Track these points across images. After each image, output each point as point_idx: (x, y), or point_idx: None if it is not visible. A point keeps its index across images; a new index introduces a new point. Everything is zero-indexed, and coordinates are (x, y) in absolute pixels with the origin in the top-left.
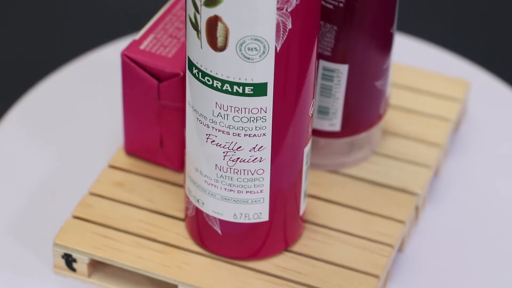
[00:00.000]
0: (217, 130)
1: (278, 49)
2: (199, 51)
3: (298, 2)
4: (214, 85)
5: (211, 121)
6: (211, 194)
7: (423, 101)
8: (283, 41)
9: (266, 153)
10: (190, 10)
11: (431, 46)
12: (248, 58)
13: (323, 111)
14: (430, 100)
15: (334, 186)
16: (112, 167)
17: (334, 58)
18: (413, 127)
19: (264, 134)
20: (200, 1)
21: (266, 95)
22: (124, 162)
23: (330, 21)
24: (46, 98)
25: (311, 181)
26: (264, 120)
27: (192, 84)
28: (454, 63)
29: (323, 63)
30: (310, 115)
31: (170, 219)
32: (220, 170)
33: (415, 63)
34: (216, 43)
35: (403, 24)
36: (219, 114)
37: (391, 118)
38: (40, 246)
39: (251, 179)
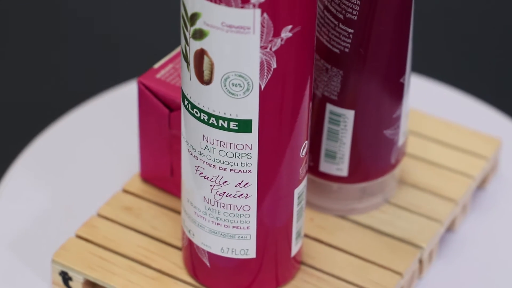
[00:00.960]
0: (205, 163)
1: (262, 87)
2: (188, 83)
3: (283, 43)
4: (202, 118)
5: (199, 153)
6: (200, 226)
7: (447, 154)
8: (267, 79)
9: (252, 190)
10: (182, 42)
11: (463, 94)
12: (233, 94)
13: (330, 155)
14: (455, 154)
15: (338, 231)
16: (125, 191)
17: (341, 102)
18: (432, 180)
19: (249, 171)
20: (189, 34)
21: (251, 132)
22: (137, 187)
23: (337, 65)
24: (64, 134)
25: (317, 224)
26: (249, 157)
27: (184, 115)
28: (488, 114)
29: (330, 107)
30: (302, 156)
31: (169, 247)
32: (208, 203)
33: (446, 112)
34: (202, 76)
35: (435, 69)
36: (206, 147)
37: (410, 168)
38: (43, 262)
39: (237, 215)
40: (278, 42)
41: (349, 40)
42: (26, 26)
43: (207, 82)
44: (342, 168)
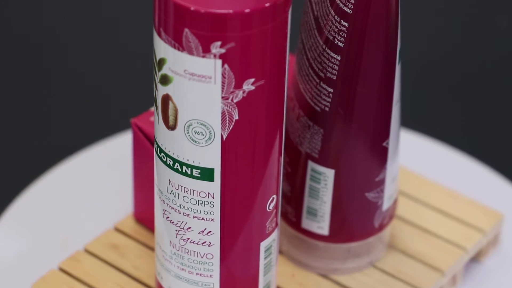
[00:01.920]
0: (170, 207)
1: (224, 137)
2: (157, 127)
3: (245, 95)
4: (168, 163)
5: (166, 197)
6: (167, 269)
7: (443, 222)
8: (229, 130)
9: (215, 239)
10: (153, 86)
11: (464, 155)
12: (195, 141)
13: (312, 213)
14: (451, 223)
15: None
16: (117, 229)
17: (321, 161)
18: (423, 247)
19: (212, 219)
20: (157, 78)
21: (213, 181)
22: (129, 227)
23: (318, 123)
24: (61, 179)
25: (298, 280)
26: (212, 206)
27: (155, 159)
28: (491, 180)
29: (311, 164)
30: (269, 210)
31: None
32: (174, 247)
33: (445, 173)
34: (168, 121)
35: (436, 127)
36: (172, 192)
37: (400, 233)
38: None
39: (200, 262)
40: (240, 94)
41: (329, 99)
42: (16, 76)
43: (172, 128)
44: (323, 226)
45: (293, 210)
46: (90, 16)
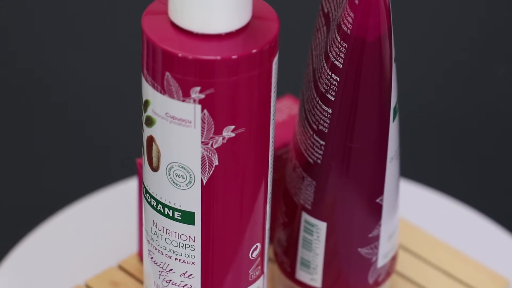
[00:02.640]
0: (154, 248)
1: (204, 182)
2: (144, 167)
3: (225, 142)
4: (151, 203)
5: (150, 237)
6: None
7: (445, 283)
8: (209, 175)
9: (196, 282)
10: (142, 127)
11: (472, 210)
12: (176, 184)
13: (305, 264)
14: (454, 285)
15: None
16: (120, 267)
17: (314, 213)
18: None
19: (193, 263)
20: (143, 120)
21: (194, 224)
22: (132, 265)
23: (311, 175)
24: (67, 222)
25: None
26: (192, 249)
27: (142, 200)
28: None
29: (304, 215)
30: (252, 257)
31: None
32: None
33: (451, 229)
34: (152, 162)
35: (443, 180)
36: (155, 233)
37: None
38: None
39: None
40: (219, 140)
41: (321, 152)
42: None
43: (155, 169)
44: (315, 278)
45: (288, 260)
46: (89, 67)
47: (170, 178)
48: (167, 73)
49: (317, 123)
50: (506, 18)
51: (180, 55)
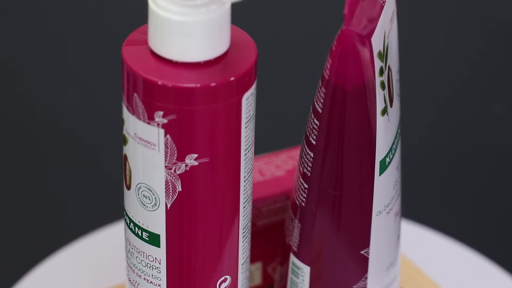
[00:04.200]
0: (128, 265)
1: (168, 206)
2: (123, 186)
3: (188, 169)
4: (126, 221)
5: (126, 255)
6: None
7: None
8: (173, 200)
9: None
10: None
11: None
12: (144, 205)
13: None
14: None
15: None
16: None
17: (299, 255)
18: None
19: (159, 285)
20: (122, 138)
21: (159, 246)
22: None
23: (297, 217)
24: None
25: None
26: (159, 271)
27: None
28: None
29: (292, 257)
30: None
31: None
32: None
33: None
34: (126, 180)
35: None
36: (129, 250)
37: None
38: None
39: None
40: (182, 167)
41: (305, 195)
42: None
43: (128, 187)
44: None
45: None
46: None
47: (139, 198)
48: (135, 95)
49: (303, 165)
50: (503, 54)
51: (144, 78)
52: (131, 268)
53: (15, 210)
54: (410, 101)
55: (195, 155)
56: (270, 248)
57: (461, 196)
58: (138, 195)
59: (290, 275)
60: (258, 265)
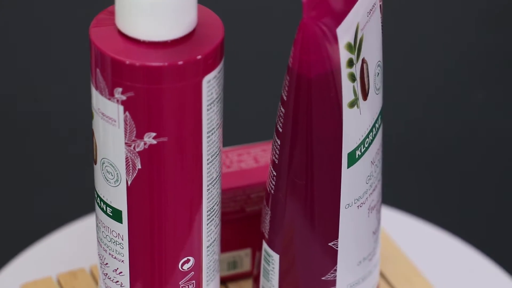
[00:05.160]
0: (98, 239)
1: (129, 183)
2: None
3: (146, 147)
4: (95, 195)
5: (96, 229)
6: None
7: None
8: (133, 177)
9: (125, 281)
10: None
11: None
12: (107, 180)
13: None
14: None
15: None
16: None
17: (269, 243)
18: None
19: (122, 261)
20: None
21: (122, 223)
22: None
23: (268, 204)
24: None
25: None
26: (121, 247)
27: None
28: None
29: (264, 245)
30: (182, 270)
31: None
32: (100, 279)
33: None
34: (93, 155)
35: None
36: (98, 225)
37: None
38: None
39: None
40: (141, 145)
41: (274, 183)
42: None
43: (95, 162)
44: None
45: (256, 286)
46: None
47: (103, 173)
48: (97, 70)
49: (273, 153)
50: (484, 42)
51: (103, 52)
52: (99, 243)
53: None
54: (395, 92)
55: (154, 134)
56: (259, 234)
57: (453, 187)
58: (102, 170)
59: (262, 262)
60: (248, 251)
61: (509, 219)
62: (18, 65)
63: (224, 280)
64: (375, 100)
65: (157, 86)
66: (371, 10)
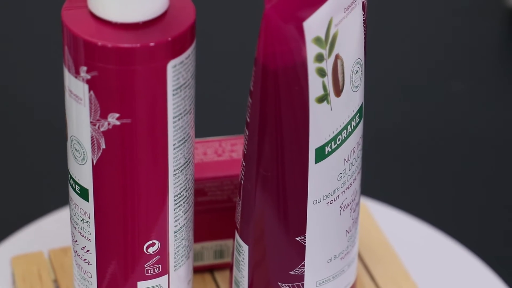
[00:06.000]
0: (70, 217)
1: (94, 162)
2: None
3: (110, 127)
4: (68, 174)
5: (69, 208)
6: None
7: None
8: (98, 157)
9: (92, 259)
10: None
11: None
12: (75, 158)
13: (236, 283)
14: None
15: None
16: None
17: (240, 233)
18: None
19: (89, 239)
20: None
21: (88, 201)
22: None
23: (239, 194)
24: None
25: None
26: (88, 225)
27: None
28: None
29: (236, 235)
30: (147, 253)
31: None
32: (73, 256)
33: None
34: (66, 132)
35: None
36: (70, 203)
37: None
38: None
39: (83, 278)
40: (105, 125)
41: (243, 173)
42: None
43: (66, 139)
44: None
45: (231, 276)
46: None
47: (72, 150)
48: (66, 47)
49: (244, 143)
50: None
51: (70, 30)
52: (71, 220)
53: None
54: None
55: (117, 115)
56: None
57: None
58: (71, 147)
59: (235, 252)
60: None
61: (498, 216)
62: None
63: (211, 268)
64: (352, 97)
65: (119, 67)
66: (349, 6)
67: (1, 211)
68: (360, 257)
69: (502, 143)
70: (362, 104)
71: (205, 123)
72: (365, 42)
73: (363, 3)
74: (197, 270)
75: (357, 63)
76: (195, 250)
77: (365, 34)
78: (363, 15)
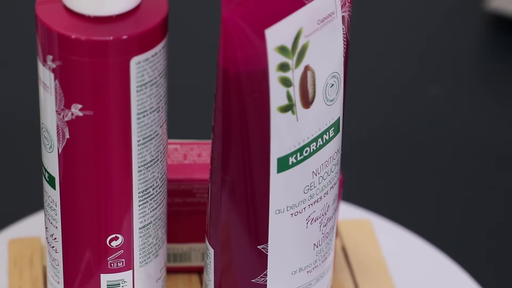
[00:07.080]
0: (44, 204)
1: (60, 150)
2: None
3: (74, 118)
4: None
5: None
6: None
7: None
8: (63, 146)
9: (59, 247)
10: None
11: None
12: (45, 145)
13: (205, 286)
14: None
15: None
16: None
17: (208, 236)
18: None
19: (56, 227)
20: None
21: (55, 189)
22: None
23: (207, 197)
24: None
25: None
26: (56, 213)
27: None
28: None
29: (206, 238)
30: (110, 246)
31: None
32: (46, 243)
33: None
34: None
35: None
36: (43, 190)
37: None
38: None
39: (52, 265)
40: (69, 115)
41: (210, 177)
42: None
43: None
44: None
45: (203, 280)
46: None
47: (42, 138)
48: (37, 35)
49: (211, 146)
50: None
51: (39, 19)
52: (44, 207)
53: None
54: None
55: (80, 106)
56: None
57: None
58: (42, 135)
59: (204, 255)
60: None
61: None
62: None
63: (199, 270)
64: (324, 110)
65: (80, 58)
66: (324, 19)
67: (11, 203)
68: (350, 269)
69: (485, 146)
70: (339, 118)
71: (205, 124)
72: (346, 56)
73: (343, 17)
74: (185, 271)
75: (333, 76)
76: (183, 251)
77: (346, 48)
78: (343, 29)
